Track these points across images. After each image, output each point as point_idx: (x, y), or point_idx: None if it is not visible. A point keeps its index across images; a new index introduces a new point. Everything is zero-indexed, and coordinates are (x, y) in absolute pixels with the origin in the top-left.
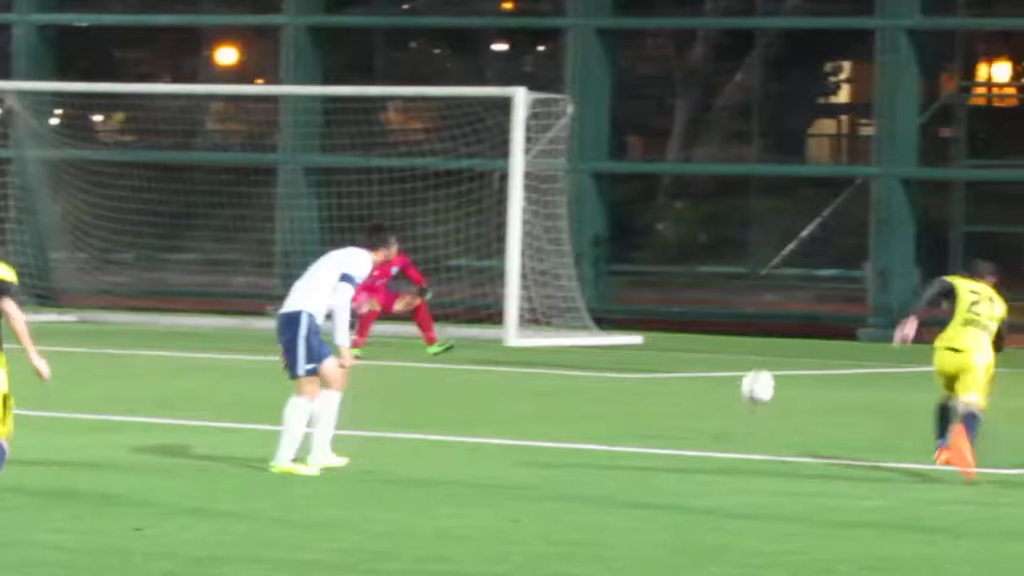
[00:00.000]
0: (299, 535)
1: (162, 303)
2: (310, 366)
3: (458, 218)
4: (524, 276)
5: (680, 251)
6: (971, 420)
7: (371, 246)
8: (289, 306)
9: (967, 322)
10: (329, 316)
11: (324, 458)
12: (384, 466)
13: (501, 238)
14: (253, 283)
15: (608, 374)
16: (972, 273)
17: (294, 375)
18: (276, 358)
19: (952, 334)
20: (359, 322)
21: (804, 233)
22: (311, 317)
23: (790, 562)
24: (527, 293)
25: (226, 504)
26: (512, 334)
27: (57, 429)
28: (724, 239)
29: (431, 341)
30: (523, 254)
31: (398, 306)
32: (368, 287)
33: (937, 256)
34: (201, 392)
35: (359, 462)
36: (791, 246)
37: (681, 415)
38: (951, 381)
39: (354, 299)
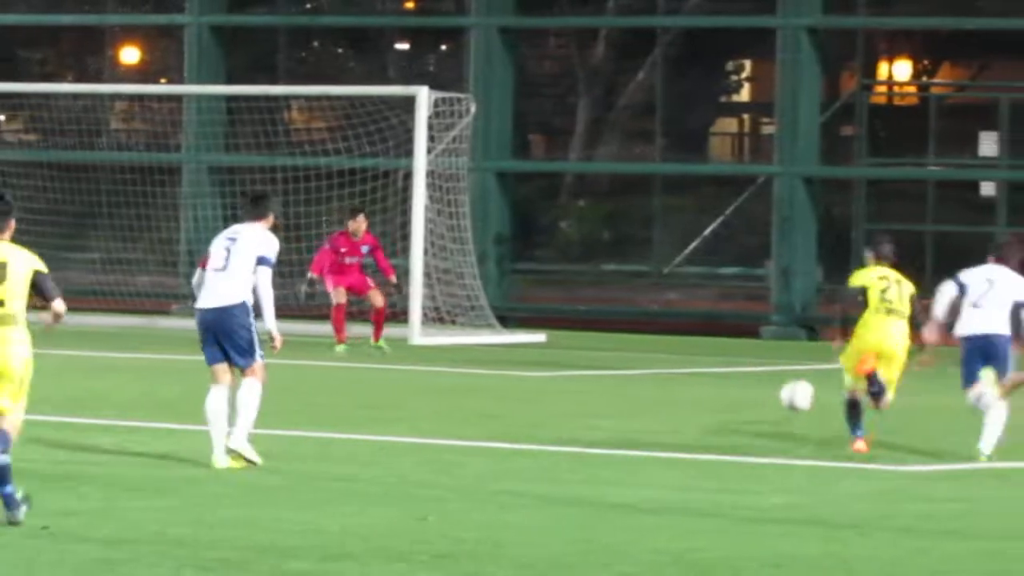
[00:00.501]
0: (208, 533)
1: (66, 303)
2: (261, 351)
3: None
4: (428, 275)
5: (583, 249)
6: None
7: (258, 216)
8: (225, 299)
9: (885, 311)
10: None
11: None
12: (291, 464)
13: (405, 237)
14: (157, 282)
15: (512, 372)
16: (878, 254)
17: (251, 363)
18: (180, 357)
19: (873, 323)
20: (333, 319)
21: (707, 231)
22: (250, 306)
23: (697, 560)
24: (431, 292)
25: (135, 502)
26: (416, 333)
27: None
28: (627, 237)
29: (376, 338)
30: (427, 253)
31: (375, 299)
32: (337, 265)
33: (839, 254)
34: (108, 391)
35: (266, 460)
36: (694, 244)
37: (585, 413)
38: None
39: (319, 275)
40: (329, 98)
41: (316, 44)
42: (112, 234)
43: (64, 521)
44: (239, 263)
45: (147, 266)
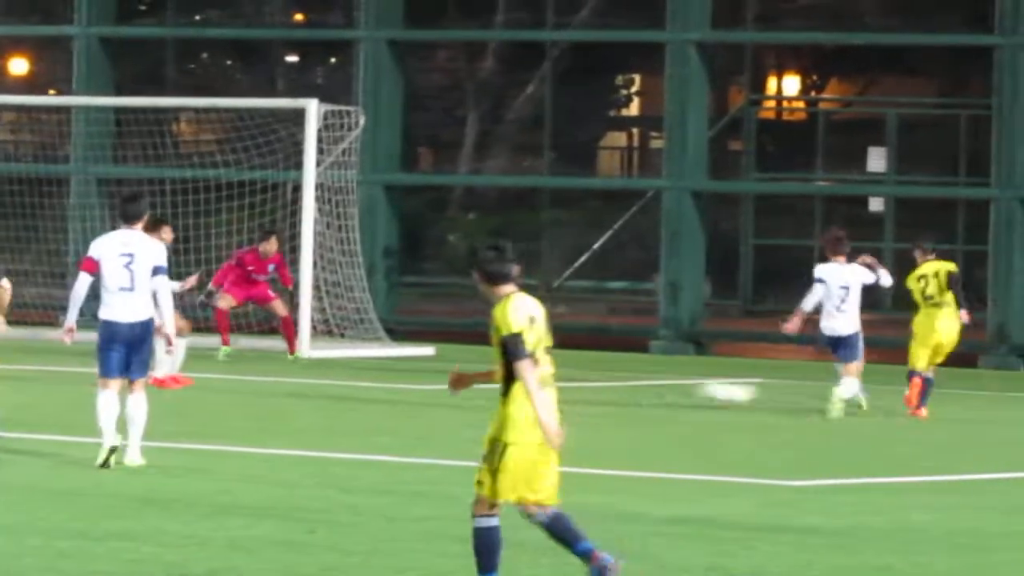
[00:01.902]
0: (92, 546)
1: None
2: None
3: (250, 229)
4: (317, 287)
5: (471, 263)
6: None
7: (137, 216)
8: (142, 313)
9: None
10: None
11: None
12: (175, 477)
13: (293, 250)
14: (45, 294)
15: (400, 385)
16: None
17: (145, 376)
18: (66, 369)
19: None
20: (217, 320)
21: (595, 246)
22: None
23: (581, 570)
24: (320, 304)
25: (19, 516)
26: (305, 345)
27: None
28: (515, 251)
29: (292, 351)
30: (315, 266)
31: (278, 309)
32: (241, 279)
33: (727, 269)
34: None
35: (153, 473)
36: (583, 259)
37: (473, 426)
38: None
39: (217, 282)
40: (218, 110)
41: (205, 56)
42: None
43: None
44: (143, 279)
45: (34, 277)
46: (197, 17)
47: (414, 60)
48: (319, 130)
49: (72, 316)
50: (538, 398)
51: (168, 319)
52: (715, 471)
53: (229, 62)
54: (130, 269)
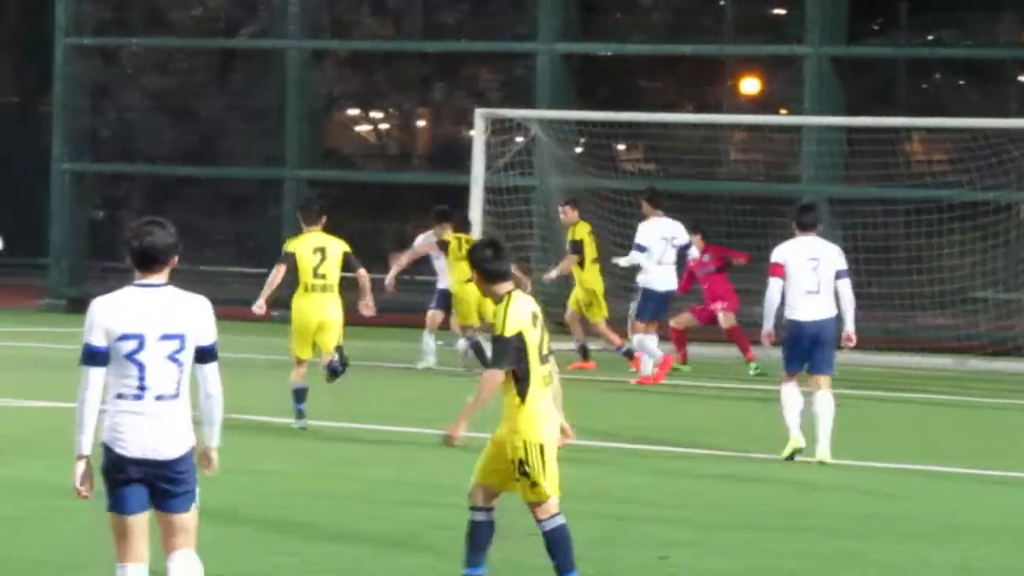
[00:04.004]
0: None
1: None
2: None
3: (983, 250)
4: None
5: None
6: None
7: (811, 227)
8: (823, 313)
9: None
10: None
11: None
12: (900, 497)
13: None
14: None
15: None
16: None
17: (831, 373)
18: None
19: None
20: (735, 335)
21: None
22: None
23: None
24: None
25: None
26: None
27: None
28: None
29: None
30: None
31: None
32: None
33: None
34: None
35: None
36: None
37: None
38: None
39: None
40: (949, 130)
41: (937, 75)
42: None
43: None
44: (827, 282)
45: (757, 296)
46: (929, 37)
47: None
48: None
49: (768, 324)
50: (476, 405)
51: (849, 319)
52: None
53: (961, 81)
54: (816, 273)
